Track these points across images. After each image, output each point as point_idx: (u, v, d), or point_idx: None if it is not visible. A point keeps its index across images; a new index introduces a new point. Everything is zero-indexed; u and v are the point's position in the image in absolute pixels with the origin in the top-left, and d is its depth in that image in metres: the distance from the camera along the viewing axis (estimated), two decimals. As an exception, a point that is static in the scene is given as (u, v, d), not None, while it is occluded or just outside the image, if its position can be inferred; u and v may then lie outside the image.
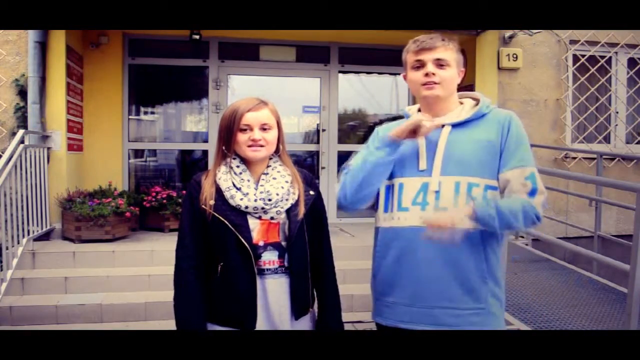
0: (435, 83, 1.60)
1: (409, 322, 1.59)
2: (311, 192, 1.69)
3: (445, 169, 1.58)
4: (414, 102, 1.82)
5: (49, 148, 4.64)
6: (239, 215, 1.58)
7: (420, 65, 1.62)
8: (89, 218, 4.50)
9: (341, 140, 6.12)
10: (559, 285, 3.93)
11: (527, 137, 1.63)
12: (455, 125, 1.63)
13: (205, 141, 5.88)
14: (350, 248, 4.58)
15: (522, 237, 5.15)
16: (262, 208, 1.58)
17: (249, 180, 1.61)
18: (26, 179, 4.16)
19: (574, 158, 5.84)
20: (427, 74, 1.60)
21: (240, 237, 1.56)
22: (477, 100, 1.70)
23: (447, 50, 1.61)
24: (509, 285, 3.63)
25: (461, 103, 1.70)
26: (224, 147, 1.64)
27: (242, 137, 1.59)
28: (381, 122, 5.87)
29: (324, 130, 6.04)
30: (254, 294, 1.57)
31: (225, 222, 1.56)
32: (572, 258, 4.95)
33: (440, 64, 1.60)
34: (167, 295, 3.99)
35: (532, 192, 1.56)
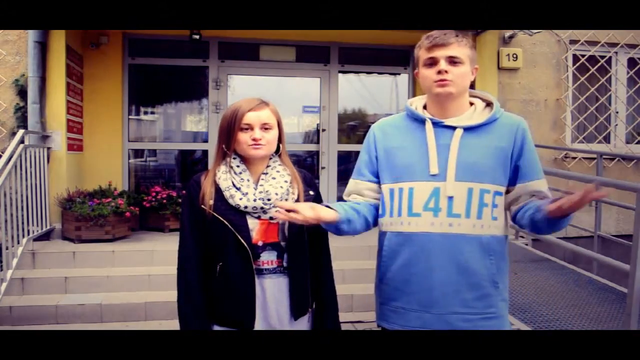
0: (448, 81, 1.55)
1: (421, 328, 1.58)
2: (311, 192, 1.69)
3: (459, 175, 1.55)
4: (415, 95, 1.79)
5: (49, 148, 4.64)
6: (238, 215, 1.58)
7: (432, 62, 1.57)
8: (89, 218, 4.50)
9: (341, 140, 6.12)
10: (559, 285, 3.93)
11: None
12: (467, 129, 1.59)
13: (205, 141, 5.88)
14: (350, 248, 4.58)
15: (522, 237, 5.16)
16: (261, 208, 1.58)
17: (248, 180, 1.61)
18: (26, 179, 4.16)
19: (574, 158, 5.84)
20: (439, 72, 1.55)
21: (239, 237, 1.55)
22: (487, 102, 1.67)
23: (460, 46, 1.56)
24: (509, 285, 3.64)
25: (471, 104, 1.66)
26: (224, 147, 1.64)
27: (242, 137, 1.59)
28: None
29: (324, 130, 6.04)
30: (252, 294, 1.57)
31: (225, 221, 1.56)
32: (572, 258, 4.95)
33: (453, 61, 1.55)
34: (167, 295, 4.02)
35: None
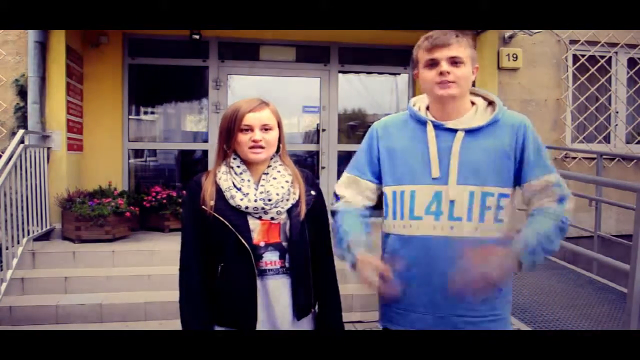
0: (450, 82, 1.53)
1: (425, 329, 1.57)
2: (312, 192, 1.68)
3: (461, 178, 1.53)
4: (414, 95, 1.78)
5: (49, 148, 4.64)
6: (239, 216, 1.57)
7: (433, 63, 1.55)
8: (89, 218, 4.50)
9: (341, 140, 6.12)
10: (559, 285, 3.93)
11: (541, 141, 1.61)
12: (468, 131, 1.57)
13: (205, 141, 5.88)
14: (350, 248, 4.57)
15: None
16: (262, 208, 1.58)
17: (249, 181, 1.61)
18: (26, 179, 4.16)
19: (574, 158, 5.84)
20: (441, 73, 1.53)
21: (240, 238, 1.55)
22: (488, 101, 1.65)
23: (461, 46, 1.54)
24: (509, 285, 3.63)
25: (473, 103, 1.64)
26: (224, 147, 1.64)
27: (242, 138, 1.59)
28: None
29: (324, 130, 6.04)
30: (254, 295, 1.56)
31: (225, 222, 1.56)
32: (572, 258, 4.94)
33: (454, 61, 1.53)
34: (167, 295, 4.02)
35: (562, 199, 1.55)
